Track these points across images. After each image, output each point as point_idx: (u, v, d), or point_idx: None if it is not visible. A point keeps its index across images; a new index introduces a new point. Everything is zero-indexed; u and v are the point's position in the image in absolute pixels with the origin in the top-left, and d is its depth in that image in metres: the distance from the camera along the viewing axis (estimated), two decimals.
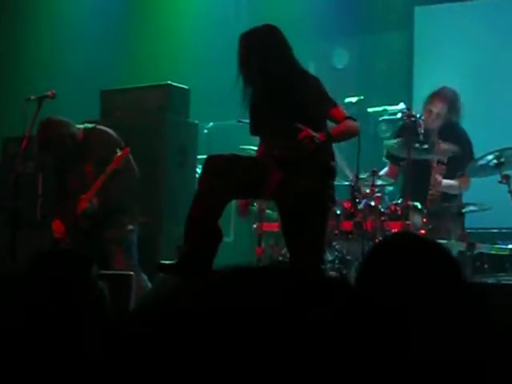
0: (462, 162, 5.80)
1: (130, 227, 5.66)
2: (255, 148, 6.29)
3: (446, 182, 5.90)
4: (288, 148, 4.15)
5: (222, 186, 4.06)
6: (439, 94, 6.05)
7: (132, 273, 4.73)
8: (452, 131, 6.04)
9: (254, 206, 6.15)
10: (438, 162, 5.92)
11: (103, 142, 5.56)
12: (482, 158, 5.66)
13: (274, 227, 5.86)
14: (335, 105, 4.25)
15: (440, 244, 2.13)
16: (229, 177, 4.08)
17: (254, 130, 4.49)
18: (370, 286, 1.94)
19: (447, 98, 6.04)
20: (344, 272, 5.28)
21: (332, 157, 4.30)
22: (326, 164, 4.25)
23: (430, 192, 5.85)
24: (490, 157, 5.62)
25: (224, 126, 7.84)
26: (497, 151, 5.60)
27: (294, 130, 4.04)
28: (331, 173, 4.29)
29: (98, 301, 2.46)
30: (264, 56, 4.25)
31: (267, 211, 5.99)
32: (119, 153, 5.43)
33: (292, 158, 4.16)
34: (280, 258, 5.61)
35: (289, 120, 4.13)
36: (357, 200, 5.48)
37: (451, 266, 1.94)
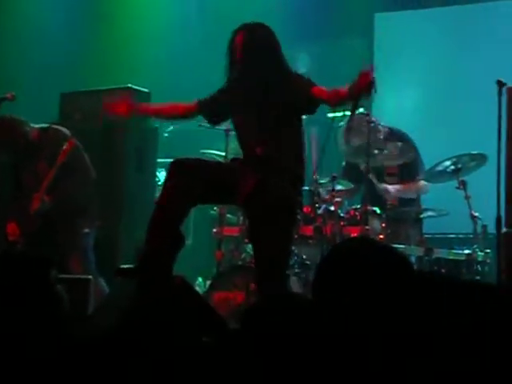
0: (413, 166, 5.93)
1: (86, 230, 5.60)
2: (216, 152, 6.31)
3: (391, 187, 5.97)
4: (270, 146, 4.17)
5: (187, 190, 4.02)
6: None
7: (90, 277, 4.70)
8: (397, 135, 6.16)
9: (214, 210, 6.15)
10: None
11: (56, 139, 5.51)
12: (440, 163, 5.73)
13: (235, 232, 5.87)
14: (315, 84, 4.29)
15: (395, 249, 2.15)
16: (194, 180, 4.04)
17: (219, 120, 4.51)
18: (326, 289, 1.95)
19: None
20: (303, 276, 5.30)
21: (303, 163, 4.31)
22: (297, 171, 4.26)
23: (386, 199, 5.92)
24: (447, 163, 5.70)
25: (184, 130, 7.81)
26: (454, 157, 5.68)
27: (279, 128, 4.10)
28: (301, 180, 4.31)
29: (56, 304, 2.44)
30: (265, 54, 4.30)
31: (228, 215, 5.99)
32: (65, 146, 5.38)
33: (273, 157, 4.17)
34: (239, 263, 5.62)
35: (275, 119, 4.17)
36: (316, 205, 5.51)
37: (406, 271, 1.96)
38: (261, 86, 4.27)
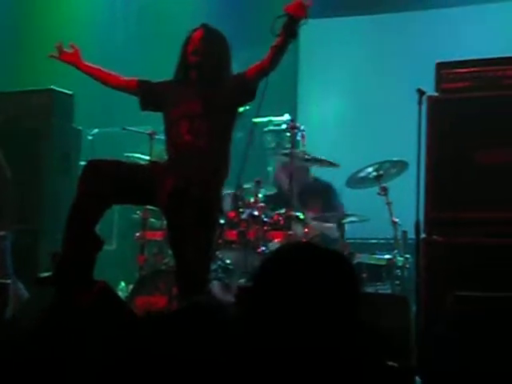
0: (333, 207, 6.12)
1: (2, 233, 5.48)
2: (140, 155, 6.28)
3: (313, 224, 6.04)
4: (199, 143, 4.18)
5: (100, 192, 3.99)
6: None
7: (9, 281, 4.61)
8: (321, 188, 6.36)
9: (137, 214, 6.11)
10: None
11: None
12: (362, 170, 5.83)
13: (158, 236, 5.84)
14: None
15: (338, 253, 2.13)
16: (109, 181, 4.01)
17: (148, 106, 4.50)
18: (266, 293, 1.93)
19: None
20: (226, 281, 5.31)
21: (227, 166, 4.33)
22: (222, 173, 4.28)
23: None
24: (369, 169, 5.80)
25: (109, 133, 7.74)
26: (376, 164, 5.78)
27: (212, 128, 4.18)
28: (222, 182, 4.32)
29: None
30: (221, 57, 4.39)
31: (151, 219, 5.96)
32: None
33: (199, 155, 4.17)
34: (163, 267, 5.60)
35: (211, 117, 4.23)
36: (241, 210, 5.53)
37: (347, 273, 1.96)
38: (208, 83, 4.30)
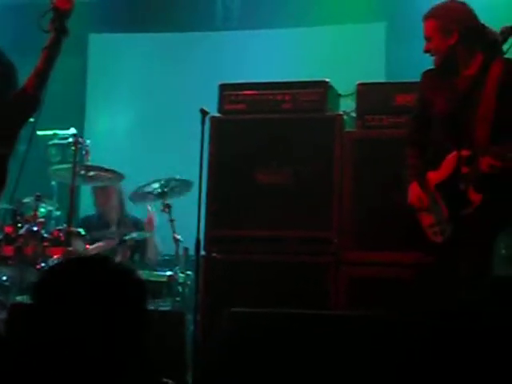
0: None
1: None
2: None
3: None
4: None
5: None
6: None
7: None
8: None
9: None
10: None
11: None
12: (147, 185, 5.83)
13: None
14: None
15: (124, 267, 2.07)
16: None
17: None
18: (43, 310, 1.86)
19: None
20: (1, 298, 5.13)
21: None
22: None
23: None
24: (155, 185, 5.81)
25: None
26: (163, 180, 5.80)
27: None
28: None
29: None
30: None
31: None
32: None
33: None
34: None
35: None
36: (19, 225, 5.37)
37: (132, 289, 1.92)
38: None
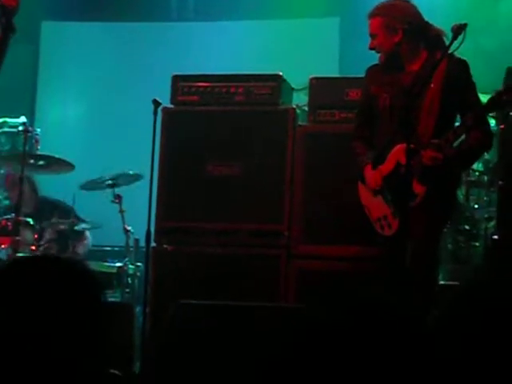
0: None
1: None
2: None
3: None
4: None
5: None
6: None
7: None
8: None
9: None
10: None
11: None
12: (99, 178, 5.75)
13: None
14: None
15: (77, 261, 2.07)
16: None
17: None
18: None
19: None
20: None
21: None
22: None
23: None
24: (106, 177, 5.75)
25: None
26: (114, 175, 5.72)
27: None
28: None
29: None
30: None
31: None
32: None
33: None
34: None
35: None
36: None
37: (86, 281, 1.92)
38: None
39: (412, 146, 3.80)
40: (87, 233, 6.10)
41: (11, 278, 1.91)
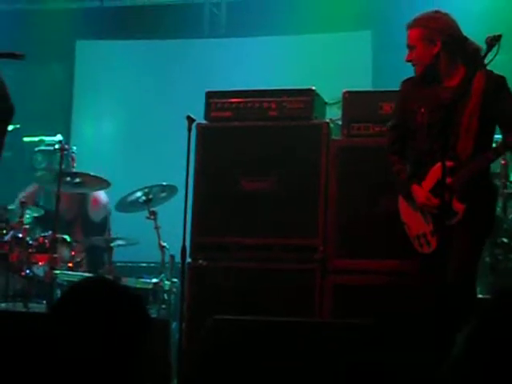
0: None
1: None
2: None
3: None
4: None
5: None
6: None
7: None
8: None
9: None
10: None
11: None
12: (131, 194, 5.84)
13: None
14: None
15: (126, 287, 2.18)
16: None
17: None
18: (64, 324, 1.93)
19: None
20: None
21: None
22: None
23: None
24: (138, 193, 5.83)
25: None
26: (146, 188, 5.82)
27: None
28: None
29: None
30: None
31: None
32: None
33: None
34: None
35: None
36: (4, 231, 5.36)
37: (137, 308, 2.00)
38: None
39: (451, 163, 3.78)
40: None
41: (78, 301, 2.03)
